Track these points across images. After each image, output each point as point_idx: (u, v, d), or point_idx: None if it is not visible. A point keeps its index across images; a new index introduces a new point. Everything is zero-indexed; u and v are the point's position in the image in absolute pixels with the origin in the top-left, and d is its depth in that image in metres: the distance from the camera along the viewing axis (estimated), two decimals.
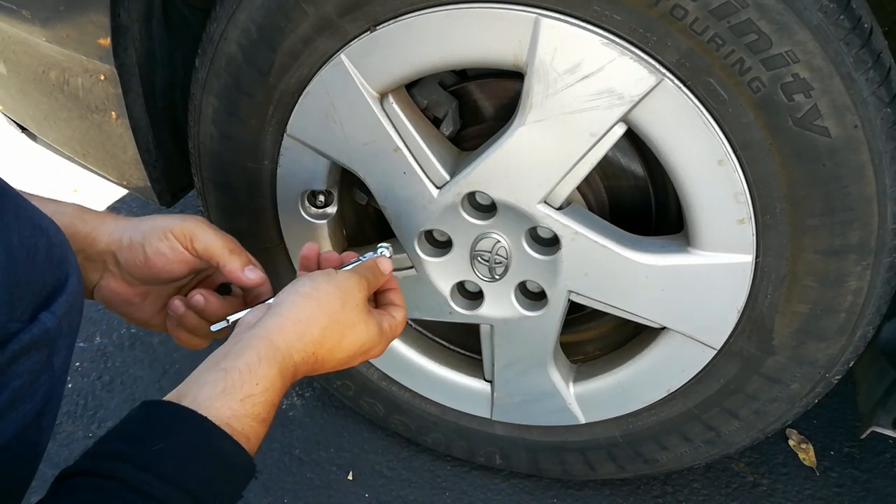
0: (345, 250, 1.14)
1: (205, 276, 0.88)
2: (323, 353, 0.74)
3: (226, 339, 0.72)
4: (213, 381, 0.64)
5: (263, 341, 0.69)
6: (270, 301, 0.75)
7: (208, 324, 0.81)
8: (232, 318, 0.78)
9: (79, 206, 0.80)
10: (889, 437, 1.27)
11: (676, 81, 0.79)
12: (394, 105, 0.93)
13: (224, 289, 0.88)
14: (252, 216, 1.10)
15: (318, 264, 0.85)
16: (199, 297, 0.80)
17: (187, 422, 0.61)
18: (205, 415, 0.61)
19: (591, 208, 1.03)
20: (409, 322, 1.24)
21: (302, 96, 0.95)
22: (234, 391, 0.64)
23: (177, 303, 0.81)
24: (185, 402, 0.62)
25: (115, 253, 0.78)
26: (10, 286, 0.51)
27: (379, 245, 0.86)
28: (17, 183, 0.75)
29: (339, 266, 0.83)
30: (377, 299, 0.86)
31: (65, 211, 0.77)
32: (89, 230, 0.77)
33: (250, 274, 0.79)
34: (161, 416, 0.61)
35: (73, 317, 0.59)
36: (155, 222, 0.78)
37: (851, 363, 0.95)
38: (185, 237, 0.78)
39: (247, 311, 0.77)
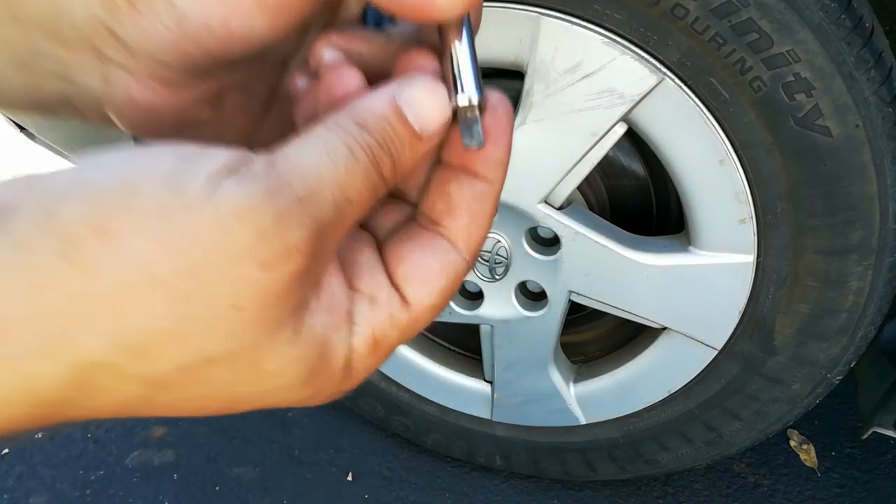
0: None
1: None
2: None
3: None
4: None
5: None
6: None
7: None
8: (461, 100, 0.29)
9: None
10: (890, 437, 1.27)
11: (677, 81, 0.79)
12: None
13: (373, 17, 0.37)
14: None
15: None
16: (333, 38, 0.32)
17: None
18: None
19: (591, 208, 1.03)
20: None
21: None
22: None
23: (299, 82, 0.33)
24: None
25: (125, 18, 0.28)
26: None
27: None
28: None
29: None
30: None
31: None
32: None
33: None
34: None
35: None
36: None
37: (853, 363, 0.95)
38: None
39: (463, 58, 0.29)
